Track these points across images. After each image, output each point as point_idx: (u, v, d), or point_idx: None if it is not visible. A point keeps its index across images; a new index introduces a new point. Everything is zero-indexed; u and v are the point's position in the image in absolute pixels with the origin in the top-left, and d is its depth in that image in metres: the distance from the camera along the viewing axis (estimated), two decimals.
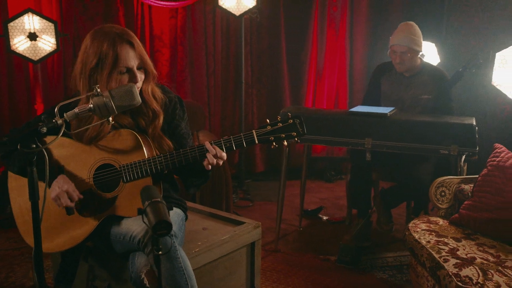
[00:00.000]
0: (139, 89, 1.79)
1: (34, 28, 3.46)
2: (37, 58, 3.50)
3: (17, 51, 3.44)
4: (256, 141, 1.71)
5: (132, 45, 1.75)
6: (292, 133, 1.72)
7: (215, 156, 1.73)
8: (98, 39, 1.73)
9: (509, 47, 2.63)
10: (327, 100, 4.93)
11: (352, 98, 4.92)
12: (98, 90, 1.59)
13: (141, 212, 1.47)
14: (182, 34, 4.42)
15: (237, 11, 3.87)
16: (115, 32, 1.75)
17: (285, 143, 1.74)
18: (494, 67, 2.69)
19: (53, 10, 4.03)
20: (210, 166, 1.74)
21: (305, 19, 4.71)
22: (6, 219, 3.49)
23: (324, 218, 3.77)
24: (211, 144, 1.74)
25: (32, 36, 3.44)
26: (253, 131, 1.71)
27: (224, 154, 1.74)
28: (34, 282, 1.64)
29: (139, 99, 1.65)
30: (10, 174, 1.93)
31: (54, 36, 3.51)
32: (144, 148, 1.78)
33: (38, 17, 3.46)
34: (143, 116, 1.85)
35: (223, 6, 3.85)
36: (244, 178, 4.53)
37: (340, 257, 3.00)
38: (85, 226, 1.82)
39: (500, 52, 2.67)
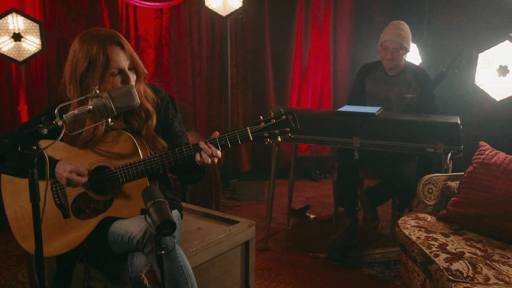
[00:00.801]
0: None
1: (18, 29, 3.41)
2: (22, 58, 3.46)
3: (1, 52, 3.39)
4: (251, 138, 1.73)
5: (122, 46, 1.76)
6: (286, 129, 1.74)
7: (211, 155, 1.75)
8: (87, 43, 1.73)
9: (491, 48, 2.72)
10: (311, 100, 4.99)
11: (336, 97, 4.99)
12: (98, 91, 1.59)
13: (144, 212, 1.48)
14: (168, 35, 4.41)
15: (223, 12, 3.89)
16: (103, 34, 1.75)
17: (279, 139, 1.77)
18: (477, 68, 2.77)
19: (36, 11, 3.98)
20: (201, 163, 1.76)
21: (289, 19, 4.76)
22: None
23: (311, 216, 3.82)
24: (205, 143, 1.76)
25: (17, 37, 3.40)
26: (248, 128, 1.74)
27: (219, 152, 1.76)
28: (35, 285, 1.63)
29: (138, 100, 1.66)
30: (3, 179, 1.90)
31: (39, 37, 3.47)
32: (139, 149, 1.78)
33: (22, 18, 3.41)
34: (135, 117, 1.86)
35: (210, 7, 3.86)
36: (230, 178, 4.56)
37: (329, 254, 3.05)
38: (82, 229, 1.81)
39: (483, 53, 2.76)
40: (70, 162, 1.78)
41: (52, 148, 1.84)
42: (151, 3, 4.28)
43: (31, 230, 1.83)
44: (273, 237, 3.41)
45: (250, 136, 1.73)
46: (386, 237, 3.45)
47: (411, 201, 3.55)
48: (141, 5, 4.26)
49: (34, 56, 3.52)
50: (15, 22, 3.40)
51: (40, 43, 3.49)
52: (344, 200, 3.34)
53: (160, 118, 1.94)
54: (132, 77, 1.81)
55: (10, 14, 3.38)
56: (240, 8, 3.90)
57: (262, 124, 1.74)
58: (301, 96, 4.98)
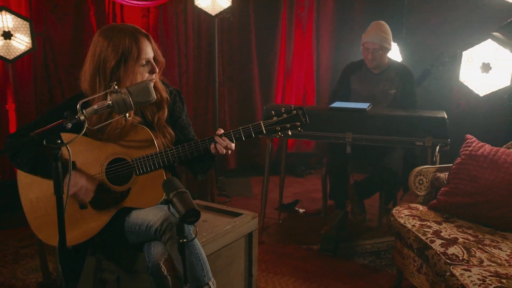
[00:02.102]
0: (154, 80, 1.90)
1: (7, 27, 3.39)
2: (12, 57, 3.44)
3: None
4: (264, 131, 1.82)
5: (148, 38, 1.86)
6: (297, 123, 1.84)
7: (226, 147, 1.82)
8: (116, 36, 1.79)
9: (475, 46, 2.87)
10: (295, 97, 5.10)
11: (319, 95, 5.12)
12: (116, 87, 1.65)
13: (167, 202, 1.54)
14: (154, 33, 4.44)
15: (212, 11, 3.94)
16: (131, 27, 1.83)
17: (290, 133, 1.86)
18: (461, 65, 2.93)
19: (22, 9, 3.95)
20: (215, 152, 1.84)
21: (274, 19, 4.86)
22: None
23: (301, 211, 3.93)
24: (220, 136, 1.84)
25: (7, 35, 3.38)
26: (261, 121, 1.83)
27: (233, 145, 1.85)
28: (58, 275, 1.65)
29: (154, 95, 1.72)
30: (19, 172, 1.93)
31: (29, 35, 3.45)
32: (155, 141, 1.85)
33: (12, 16, 3.39)
34: (149, 106, 1.93)
35: (199, 6, 3.91)
36: (217, 175, 4.61)
37: (323, 246, 3.15)
38: (99, 220, 1.86)
39: (467, 51, 2.92)
40: (84, 176, 1.82)
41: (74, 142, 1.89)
42: (138, 2, 4.30)
43: (47, 220, 1.88)
44: (265, 231, 3.50)
45: (264, 129, 1.81)
46: (374, 229, 3.58)
47: (396, 193, 3.70)
48: (128, 3, 4.28)
49: (24, 54, 3.51)
50: (5, 20, 3.38)
51: (30, 41, 3.48)
52: (336, 193, 3.45)
53: (168, 110, 2.01)
54: (157, 68, 1.90)
55: (0, 12, 3.36)
56: (229, 8, 3.96)
57: (275, 119, 1.82)
58: (286, 94, 5.09)
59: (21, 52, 3.47)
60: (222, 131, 1.88)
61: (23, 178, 1.92)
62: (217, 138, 1.83)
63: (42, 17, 4.04)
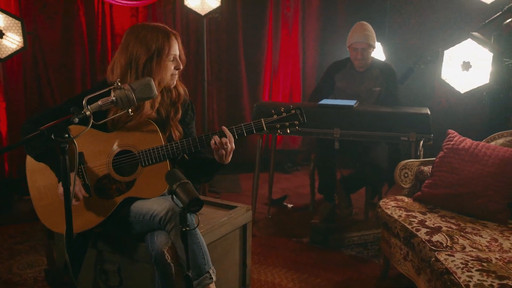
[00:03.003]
0: (177, 76, 2.03)
1: None
2: (4, 56, 3.46)
3: None
4: (265, 128, 1.92)
5: (176, 37, 1.99)
6: (295, 122, 1.94)
7: (226, 144, 1.90)
8: (150, 35, 1.91)
9: (456, 46, 3.01)
10: (282, 95, 5.21)
11: (305, 93, 5.23)
12: (119, 84, 1.72)
13: (171, 192, 1.62)
14: None
15: (202, 11, 4.02)
16: (162, 26, 1.97)
17: (288, 131, 1.96)
18: (442, 64, 3.06)
19: (11, 8, 3.96)
20: (219, 152, 1.91)
21: (261, 19, 4.96)
22: None
23: (289, 205, 4.03)
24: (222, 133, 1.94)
25: None
26: (262, 119, 1.92)
27: (233, 142, 1.92)
28: (60, 263, 1.72)
29: (156, 92, 1.79)
30: (28, 158, 2.00)
31: (21, 34, 3.48)
32: (161, 135, 1.93)
33: (3, 15, 3.42)
34: (165, 101, 2.04)
35: (188, 6, 3.98)
36: None
37: (313, 238, 3.26)
38: (104, 208, 1.94)
39: (448, 50, 3.05)
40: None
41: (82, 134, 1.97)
42: (127, 2, 4.35)
43: (53, 208, 1.95)
44: (256, 225, 3.59)
45: (264, 126, 1.92)
46: (361, 222, 3.70)
47: (381, 188, 3.83)
48: (117, 3, 4.33)
49: (16, 53, 3.53)
50: None
51: (21, 40, 3.50)
52: (324, 187, 3.56)
53: (182, 113, 2.11)
54: (181, 65, 2.03)
55: None
56: (218, 8, 4.04)
57: (275, 117, 1.93)
58: (273, 92, 5.20)
59: (12, 51, 3.49)
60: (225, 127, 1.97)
61: (31, 167, 1.99)
62: (224, 129, 1.91)
63: (31, 16, 4.07)
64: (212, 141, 1.90)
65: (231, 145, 1.91)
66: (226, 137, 1.89)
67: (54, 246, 2.26)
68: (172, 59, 1.97)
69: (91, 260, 2.15)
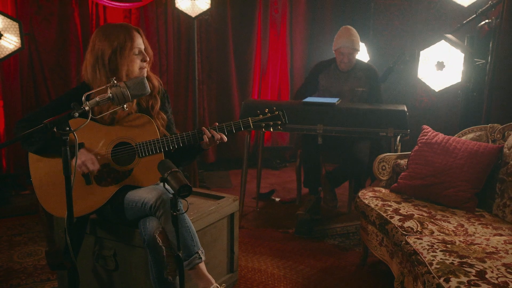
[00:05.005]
0: (145, 69, 2.21)
1: None
2: (1, 56, 3.61)
3: None
4: (251, 126, 2.13)
5: (139, 32, 2.18)
6: (278, 122, 2.15)
7: (219, 139, 2.11)
8: (113, 32, 2.10)
9: (430, 47, 3.20)
10: (271, 95, 5.39)
11: (293, 92, 5.41)
12: (115, 81, 1.89)
13: (163, 180, 1.80)
14: None
15: (192, 13, 4.19)
16: (125, 24, 2.16)
17: (271, 130, 2.17)
18: (419, 63, 3.26)
19: (8, 9, 4.11)
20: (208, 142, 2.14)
21: (250, 20, 5.14)
22: None
23: (277, 199, 4.21)
24: (215, 129, 2.15)
25: None
26: (249, 118, 2.16)
27: (225, 137, 2.14)
28: (66, 245, 1.87)
29: (149, 89, 1.97)
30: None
31: (18, 35, 3.63)
32: (157, 129, 2.12)
33: (1, 17, 3.56)
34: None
35: (179, 8, 4.15)
36: (198, 169, 4.86)
37: (298, 228, 3.44)
38: (102, 195, 2.11)
39: (423, 50, 3.25)
40: (90, 154, 2.09)
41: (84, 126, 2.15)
42: (120, 4, 4.51)
43: (53, 193, 2.12)
44: (244, 217, 3.77)
45: (251, 124, 2.13)
46: (344, 214, 3.89)
47: (364, 181, 4.02)
48: (110, 5, 4.48)
49: (14, 53, 3.67)
50: None
51: (18, 41, 3.65)
52: (309, 181, 3.75)
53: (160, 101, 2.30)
54: (147, 57, 2.20)
55: None
56: (208, 10, 4.21)
57: (261, 116, 2.15)
58: (262, 91, 5.38)
59: (10, 52, 3.64)
60: (217, 124, 2.18)
61: (33, 155, 2.15)
62: (212, 132, 2.13)
63: (27, 17, 4.22)
64: (205, 137, 2.10)
65: (223, 141, 2.15)
66: (218, 136, 2.10)
67: (55, 229, 2.42)
68: (137, 52, 2.15)
69: (90, 246, 2.32)
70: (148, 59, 2.20)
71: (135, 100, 2.21)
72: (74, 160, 1.89)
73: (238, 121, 2.15)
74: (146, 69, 2.21)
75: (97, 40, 2.12)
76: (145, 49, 2.19)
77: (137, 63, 2.16)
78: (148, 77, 2.23)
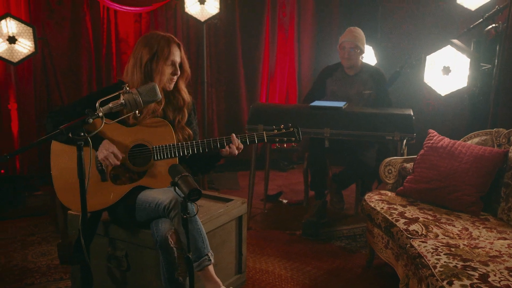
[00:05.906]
0: (174, 82, 2.29)
1: (12, 32, 3.65)
2: (16, 60, 3.70)
3: None
4: (265, 140, 2.22)
5: (179, 46, 2.27)
6: (292, 138, 2.23)
7: (237, 147, 2.19)
8: (154, 39, 2.22)
9: (436, 51, 3.24)
10: (278, 97, 5.45)
11: (301, 96, 5.46)
12: (128, 88, 1.96)
13: (173, 184, 1.86)
14: None
15: (201, 17, 4.25)
16: (168, 35, 2.26)
17: (285, 145, 2.24)
18: (425, 68, 3.29)
19: (21, 14, 4.21)
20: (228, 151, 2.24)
21: (258, 24, 5.19)
22: None
23: (284, 201, 4.27)
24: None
25: (11, 40, 3.64)
26: (264, 132, 2.25)
27: (242, 146, 2.25)
28: (78, 239, 1.93)
29: (160, 95, 2.03)
30: (54, 144, 2.24)
31: (32, 39, 3.72)
32: (174, 135, 2.22)
33: (16, 22, 3.66)
34: (173, 106, 2.30)
35: (189, 13, 4.22)
36: None
37: (304, 231, 3.49)
38: (116, 192, 2.19)
39: (430, 55, 3.28)
40: (114, 145, 2.16)
41: (106, 125, 2.21)
42: (131, 8, 4.59)
43: (70, 188, 2.19)
44: (252, 219, 3.83)
45: (265, 138, 2.22)
46: (351, 216, 3.94)
47: (371, 184, 4.06)
48: (121, 9, 4.56)
49: (28, 57, 3.77)
50: (9, 26, 3.64)
51: (32, 45, 3.74)
52: (316, 184, 3.79)
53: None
54: (179, 71, 2.29)
55: (4, 19, 3.62)
56: (217, 14, 4.27)
57: (275, 131, 2.23)
58: (269, 94, 5.43)
59: (24, 56, 3.73)
60: (235, 135, 2.26)
61: (55, 147, 2.23)
62: (232, 138, 2.22)
63: (40, 22, 4.31)
64: (227, 148, 2.22)
65: (239, 150, 2.26)
66: (236, 144, 2.22)
67: (68, 224, 2.49)
68: (170, 63, 2.24)
69: (104, 247, 2.39)
70: (178, 73, 2.28)
71: (161, 112, 2.29)
72: (91, 153, 1.96)
73: (253, 133, 2.24)
74: (174, 82, 2.29)
75: (140, 44, 2.24)
76: (180, 63, 2.28)
77: (168, 74, 2.24)
78: (178, 91, 2.34)
